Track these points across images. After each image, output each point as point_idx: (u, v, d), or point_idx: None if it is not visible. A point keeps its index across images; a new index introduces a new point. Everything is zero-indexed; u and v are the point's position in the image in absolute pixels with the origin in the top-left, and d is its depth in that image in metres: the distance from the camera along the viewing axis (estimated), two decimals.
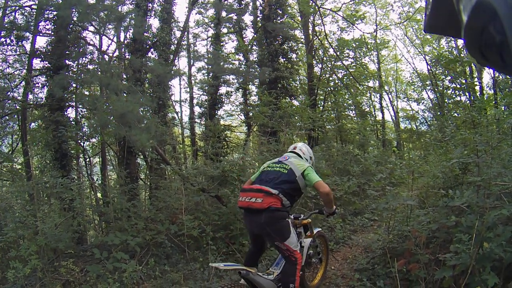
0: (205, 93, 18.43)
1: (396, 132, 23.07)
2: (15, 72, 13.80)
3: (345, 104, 17.83)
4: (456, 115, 16.46)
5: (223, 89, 18.30)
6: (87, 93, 12.52)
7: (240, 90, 18.41)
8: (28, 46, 13.32)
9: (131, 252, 6.20)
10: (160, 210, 7.45)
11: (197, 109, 19.22)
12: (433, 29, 0.78)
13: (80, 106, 12.82)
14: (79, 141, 13.24)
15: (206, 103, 17.99)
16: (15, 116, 13.31)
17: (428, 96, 22.96)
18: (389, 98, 25.18)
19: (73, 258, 6.46)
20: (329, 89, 17.47)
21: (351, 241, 7.12)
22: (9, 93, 12.50)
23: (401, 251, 4.99)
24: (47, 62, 12.50)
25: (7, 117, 13.23)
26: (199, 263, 6.05)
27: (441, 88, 20.23)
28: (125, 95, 8.47)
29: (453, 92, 18.57)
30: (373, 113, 22.41)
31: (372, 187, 9.07)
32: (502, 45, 0.51)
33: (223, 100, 18.02)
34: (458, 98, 18.48)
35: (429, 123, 22.08)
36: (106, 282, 5.04)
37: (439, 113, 19.20)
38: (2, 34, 12.33)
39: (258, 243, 4.08)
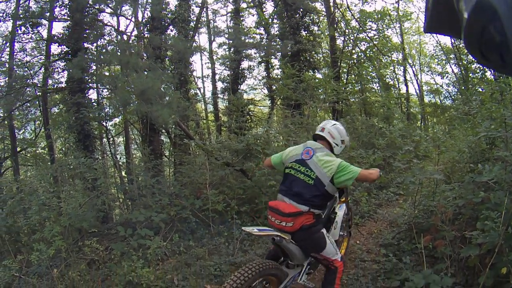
0: (227, 68, 18.08)
1: (420, 106, 22.27)
2: (34, 60, 13.81)
3: (368, 77, 17.21)
4: (481, 89, 15.84)
5: (245, 64, 17.92)
6: (107, 73, 12.32)
7: (263, 64, 17.97)
8: (45, 33, 13.27)
9: (155, 229, 6.06)
10: (184, 186, 7.29)
11: (219, 85, 18.96)
12: (433, 29, 0.77)
13: (101, 87, 12.70)
14: (102, 121, 13.17)
15: (228, 78, 17.66)
16: (36, 102, 13.32)
17: (452, 70, 21.95)
18: (413, 71, 24.19)
19: (98, 237, 6.32)
20: (352, 62, 16.82)
21: (376, 215, 6.83)
22: (28, 80, 12.46)
23: (427, 226, 4.71)
24: (65, 47, 12.40)
25: (28, 104, 13.27)
26: (224, 237, 5.88)
27: (465, 62, 19.23)
28: (145, 73, 8.25)
29: (477, 66, 17.71)
30: (397, 86, 21.61)
31: (397, 160, 8.70)
32: (502, 45, 0.51)
33: (246, 74, 17.67)
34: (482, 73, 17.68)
35: (453, 97, 21.16)
36: (130, 259, 4.88)
37: (463, 87, 18.38)
38: (18, 24, 12.22)
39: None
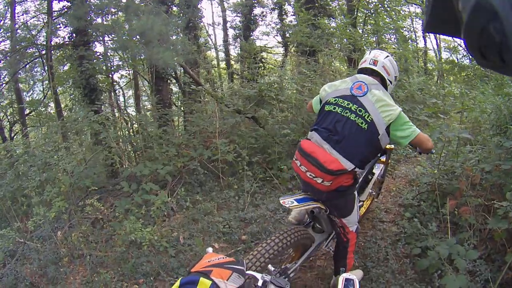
0: (239, 15, 16.90)
1: (437, 63, 20.97)
2: (36, 21, 12.95)
3: (385, 28, 15.96)
4: None
5: (257, 10, 16.71)
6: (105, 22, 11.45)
7: (276, 10, 16.74)
8: None
9: (162, 182, 5.60)
10: (193, 135, 6.69)
11: (231, 32, 17.86)
12: (433, 29, 0.73)
13: (99, 34, 11.79)
14: (108, 74, 12.37)
15: (240, 24, 16.57)
16: (42, 61, 12.55)
17: None
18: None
19: (103, 194, 5.95)
20: (368, 11, 15.56)
21: (394, 171, 6.21)
22: (32, 42, 11.70)
23: (450, 190, 4.16)
24: (66, 1, 11.43)
25: (31, 64, 12.63)
26: (234, 190, 5.41)
27: None
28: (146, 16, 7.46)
29: None
30: (415, 40, 20.18)
31: (418, 114, 8.02)
32: (502, 45, 0.50)
33: (258, 21, 16.52)
34: None
35: (471, 57, 19.91)
36: (135, 217, 4.49)
37: None
38: None
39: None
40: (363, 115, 2.45)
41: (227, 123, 6.41)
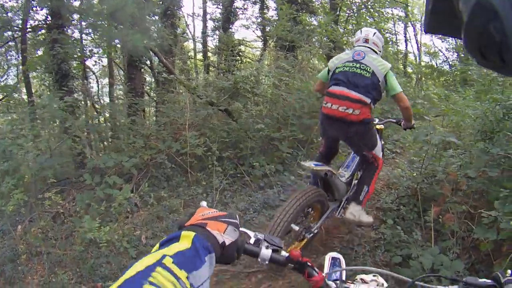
0: (219, 6, 16.39)
1: (417, 66, 21.03)
2: (16, 4, 12.09)
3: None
4: None
5: (238, 3, 16.26)
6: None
7: (257, 3, 16.30)
8: None
9: (128, 175, 5.19)
10: (163, 127, 6.24)
11: (210, 24, 17.32)
12: (433, 29, 0.66)
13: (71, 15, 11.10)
14: (82, 59, 11.63)
15: (220, 16, 16.07)
16: (16, 44, 11.76)
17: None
18: (414, 30, 22.66)
19: (67, 186, 5.46)
20: (351, 10, 15.38)
21: None
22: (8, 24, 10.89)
23: (432, 194, 3.96)
24: None
25: (5, 47, 11.91)
26: (202, 187, 5.00)
27: None
28: None
29: None
30: (396, 42, 20.14)
31: (396, 115, 7.75)
32: (502, 45, 0.46)
33: (238, 14, 16.05)
34: None
35: (451, 63, 19.92)
36: (96, 212, 4.12)
37: (462, 54, 17.52)
38: None
39: (332, 147, 3.67)
40: (366, 68, 3.19)
41: (198, 115, 6.00)
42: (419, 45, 22.12)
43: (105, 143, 6.44)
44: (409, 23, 21.35)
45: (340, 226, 4.16)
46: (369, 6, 15.22)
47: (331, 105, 3.17)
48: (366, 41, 3.43)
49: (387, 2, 16.02)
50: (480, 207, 3.26)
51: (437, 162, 4.29)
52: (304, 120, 5.82)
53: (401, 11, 20.00)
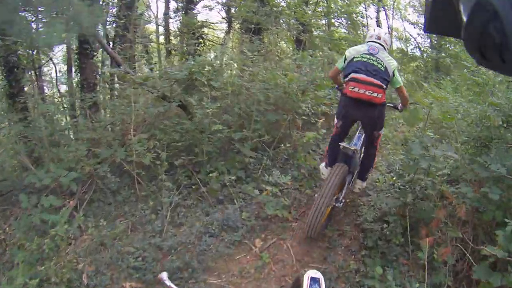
0: None
1: (388, 51, 20.53)
2: None
3: (337, 11, 14.91)
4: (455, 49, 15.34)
5: None
6: None
7: None
8: None
9: (68, 192, 4.34)
10: (110, 127, 5.32)
11: (173, 5, 16.03)
12: (433, 29, 0.74)
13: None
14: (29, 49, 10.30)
15: None
16: None
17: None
18: (385, 15, 22.03)
19: (8, 205, 4.48)
20: None
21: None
22: None
23: (423, 215, 3.38)
24: None
25: None
26: (151, 204, 4.15)
27: None
28: None
29: None
30: (367, 26, 19.37)
31: None
32: (502, 45, 0.49)
33: None
34: None
35: (423, 49, 19.40)
36: (34, 243, 3.36)
37: (435, 41, 17.11)
38: None
39: (347, 129, 4.01)
40: (380, 62, 3.58)
41: (148, 113, 5.11)
42: (390, 30, 21.54)
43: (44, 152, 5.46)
44: (381, 7, 20.71)
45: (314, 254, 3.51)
46: None
47: (358, 89, 3.49)
48: (379, 38, 3.85)
49: None
50: (475, 235, 2.84)
51: (431, 176, 3.64)
52: (269, 115, 5.03)
53: None
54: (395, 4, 22.20)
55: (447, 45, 16.52)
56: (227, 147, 4.79)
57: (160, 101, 5.27)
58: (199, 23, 12.46)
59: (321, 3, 14.75)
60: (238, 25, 12.65)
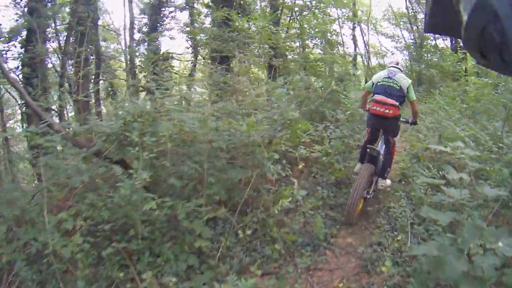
0: (145, 16, 14.16)
1: (366, 68, 19.55)
2: None
3: (311, 31, 13.87)
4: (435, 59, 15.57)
5: (167, 11, 14.12)
6: None
7: (186, 9, 14.13)
8: None
9: None
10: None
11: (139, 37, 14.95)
12: (433, 29, 0.75)
13: None
14: None
15: (146, 26, 13.87)
16: None
17: (403, 35, 19.33)
18: (361, 30, 21.25)
19: None
20: (294, 13, 13.50)
21: (334, 241, 4.02)
22: None
23: None
24: None
25: None
26: None
27: (420, 28, 17.20)
28: None
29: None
30: (343, 45, 18.38)
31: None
32: (502, 45, 0.50)
33: (166, 22, 13.89)
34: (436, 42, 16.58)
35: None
36: None
37: (414, 53, 16.90)
38: None
39: (375, 135, 4.91)
40: (396, 83, 4.65)
41: (74, 179, 3.85)
42: (367, 46, 20.78)
43: None
44: (356, 23, 19.97)
45: None
46: (313, 7, 13.39)
47: (376, 108, 4.59)
48: (397, 63, 4.92)
49: (332, 1, 14.36)
50: None
51: None
52: (231, 172, 3.83)
53: (349, 11, 18.60)
54: (369, 18, 21.60)
55: (427, 56, 15.95)
56: (173, 226, 3.54)
57: (89, 159, 4.05)
58: (161, 56, 11.41)
59: (293, 24, 13.81)
60: (206, 54, 11.61)
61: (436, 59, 15.68)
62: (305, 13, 13.38)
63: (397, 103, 4.54)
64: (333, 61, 12.06)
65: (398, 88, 4.60)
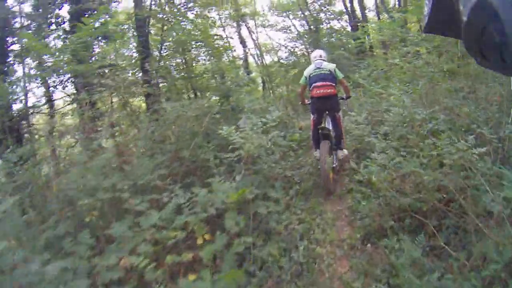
0: None
1: (261, 68, 18.27)
2: None
3: (192, 42, 11.85)
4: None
5: None
6: None
7: None
8: None
9: None
10: None
11: None
12: (433, 30, 0.74)
13: None
14: None
15: None
16: None
17: (294, 25, 18.16)
18: (248, 29, 19.99)
19: None
20: (166, 21, 11.50)
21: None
22: None
23: None
24: None
25: None
26: None
27: (313, 14, 16.71)
28: None
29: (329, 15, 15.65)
30: (230, 48, 16.34)
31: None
32: (502, 45, 0.50)
33: None
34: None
35: (295, 53, 17.53)
36: None
37: (311, 39, 15.93)
38: None
39: (321, 117, 5.46)
40: (326, 69, 5.42)
41: None
42: (257, 44, 19.59)
43: None
44: (241, 22, 18.63)
45: None
46: (185, 12, 11.50)
47: (319, 91, 5.31)
48: (320, 56, 5.70)
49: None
50: None
51: None
52: None
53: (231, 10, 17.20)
54: (255, 13, 20.33)
55: (327, 40, 15.44)
56: None
57: None
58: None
59: (167, 33, 11.75)
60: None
61: (339, 40, 15.49)
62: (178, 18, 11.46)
63: (333, 84, 5.39)
64: (221, 68, 10.68)
65: (329, 72, 5.42)
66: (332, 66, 5.50)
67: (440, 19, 0.68)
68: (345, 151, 5.50)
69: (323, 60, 5.64)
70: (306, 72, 5.59)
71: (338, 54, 12.86)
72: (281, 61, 18.00)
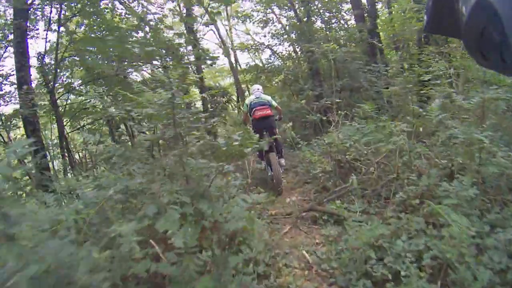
0: None
1: (236, 72, 16.08)
2: None
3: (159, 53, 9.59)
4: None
5: None
6: None
7: None
8: None
9: None
10: None
11: None
12: (434, 30, 0.73)
13: None
14: None
15: None
16: None
17: (279, 18, 14.62)
18: (226, 30, 17.79)
19: None
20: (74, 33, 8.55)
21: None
22: None
23: None
24: None
25: None
26: None
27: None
28: None
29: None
30: (214, 58, 13.74)
31: None
32: (502, 45, 0.49)
33: None
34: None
35: (279, 54, 14.68)
36: None
37: (299, 29, 12.36)
38: None
39: (262, 135, 5.98)
40: (264, 99, 6.53)
41: None
42: (231, 45, 17.39)
43: None
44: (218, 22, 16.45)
45: None
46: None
47: (259, 113, 6.32)
48: (259, 89, 6.82)
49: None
50: None
51: None
52: None
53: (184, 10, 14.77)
54: (228, 14, 18.06)
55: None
56: None
57: None
58: None
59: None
60: None
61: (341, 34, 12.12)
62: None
63: (269, 107, 6.49)
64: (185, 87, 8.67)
65: (266, 101, 6.56)
66: (268, 97, 6.77)
67: (441, 19, 0.66)
68: (282, 160, 6.80)
69: (261, 92, 6.84)
70: (248, 101, 6.80)
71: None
72: (262, 64, 15.76)
